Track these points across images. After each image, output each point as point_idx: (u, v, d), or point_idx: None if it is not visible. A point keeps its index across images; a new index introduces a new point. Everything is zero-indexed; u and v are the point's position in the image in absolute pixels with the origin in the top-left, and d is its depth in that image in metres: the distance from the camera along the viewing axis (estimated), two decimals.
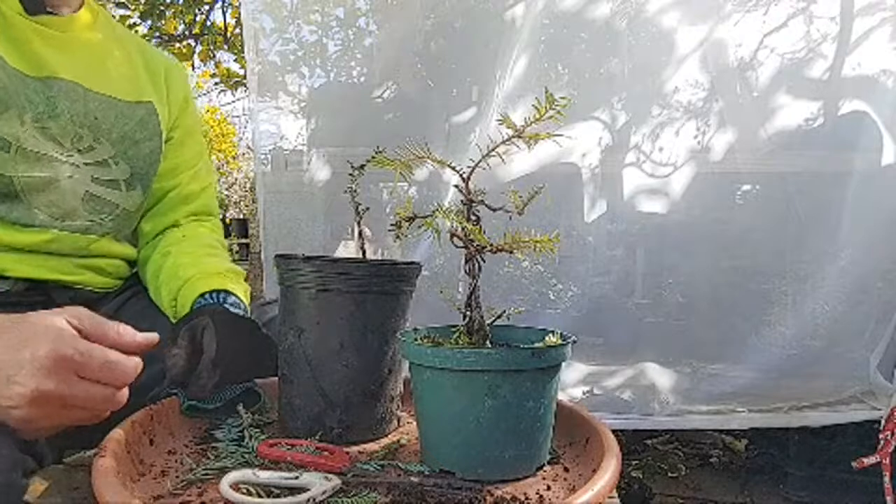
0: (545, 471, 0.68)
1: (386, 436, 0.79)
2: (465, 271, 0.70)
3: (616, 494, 0.69)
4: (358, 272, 0.74)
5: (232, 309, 0.91)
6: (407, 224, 0.70)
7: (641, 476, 1.93)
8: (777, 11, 1.93)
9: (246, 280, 1.07)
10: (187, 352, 0.80)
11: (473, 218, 0.69)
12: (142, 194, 1.07)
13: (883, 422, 1.46)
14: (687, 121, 1.96)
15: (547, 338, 0.72)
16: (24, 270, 0.92)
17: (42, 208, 0.93)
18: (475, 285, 0.70)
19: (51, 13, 0.96)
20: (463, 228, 0.68)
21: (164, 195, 1.13)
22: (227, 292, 0.95)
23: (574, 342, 0.69)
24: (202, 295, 0.94)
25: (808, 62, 1.96)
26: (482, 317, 0.71)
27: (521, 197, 0.68)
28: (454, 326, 0.74)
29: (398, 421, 0.82)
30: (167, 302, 1.00)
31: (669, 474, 1.99)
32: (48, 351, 0.57)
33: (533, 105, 0.64)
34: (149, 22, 4.32)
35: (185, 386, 0.80)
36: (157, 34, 4.57)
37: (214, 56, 5.04)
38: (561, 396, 0.72)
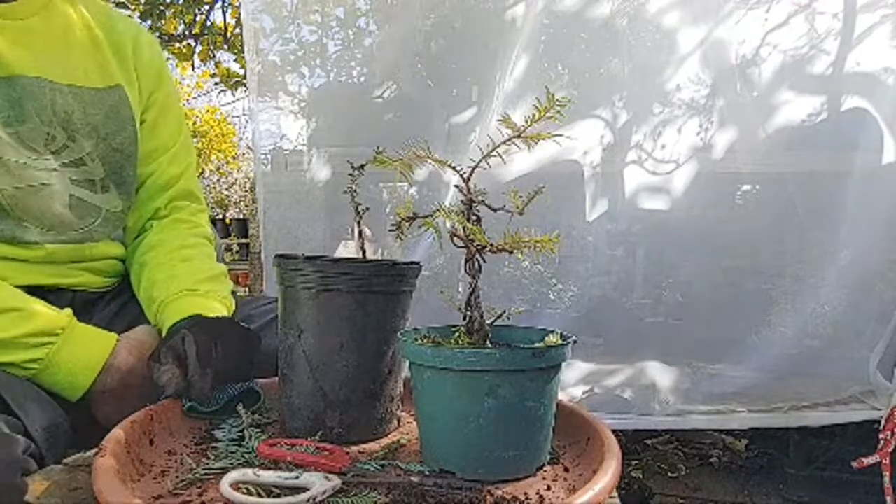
0: (545, 471, 0.68)
1: (386, 436, 0.79)
2: (466, 271, 0.70)
3: (616, 494, 0.69)
4: (359, 272, 0.74)
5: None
6: (407, 224, 0.70)
7: (641, 476, 1.93)
8: (778, 10, 1.93)
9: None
10: (175, 366, 0.80)
11: (474, 218, 0.69)
12: (118, 196, 1.03)
13: (883, 422, 1.46)
14: (687, 121, 1.96)
15: (547, 338, 0.71)
16: (20, 277, 0.91)
17: (31, 221, 0.92)
18: (475, 285, 0.70)
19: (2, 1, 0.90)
20: (463, 228, 0.68)
21: (142, 183, 1.08)
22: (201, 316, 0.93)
23: (574, 342, 0.69)
24: (174, 325, 0.92)
25: (808, 61, 1.96)
26: (482, 317, 0.71)
27: (521, 197, 0.67)
28: (454, 326, 0.74)
29: (398, 421, 0.82)
30: (151, 323, 0.99)
31: (669, 474, 1.99)
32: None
33: (533, 105, 0.64)
34: (149, 22, 4.32)
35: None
36: (157, 34, 4.57)
37: (214, 56, 5.04)
38: (561, 396, 0.72)
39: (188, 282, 0.97)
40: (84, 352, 0.85)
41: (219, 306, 0.96)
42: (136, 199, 1.09)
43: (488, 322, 0.72)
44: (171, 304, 0.94)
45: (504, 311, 0.74)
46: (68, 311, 0.87)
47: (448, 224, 0.69)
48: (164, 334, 0.91)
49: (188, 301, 0.94)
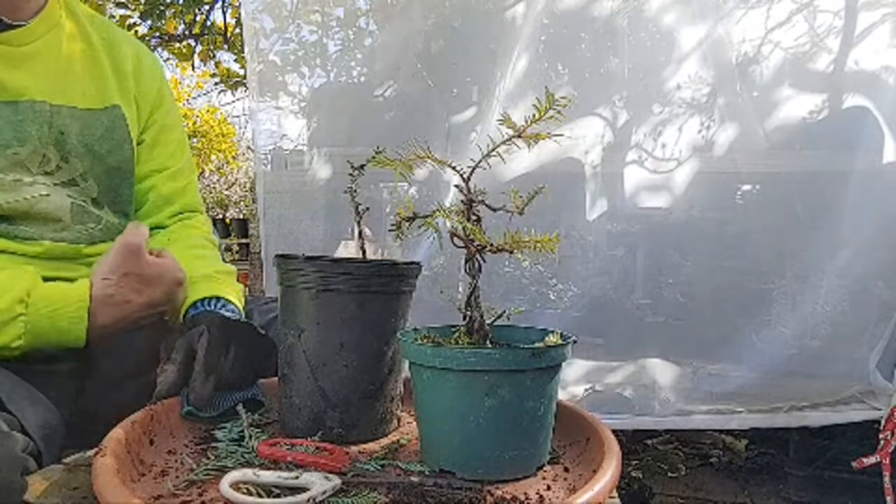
0: (545, 471, 0.68)
1: (386, 436, 0.79)
2: (466, 271, 0.70)
3: (616, 494, 0.69)
4: (359, 272, 0.74)
5: (228, 313, 0.89)
6: (407, 224, 0.70)
7: (641, 476, 1.93)
8: (778, 9, 1.93)
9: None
10: (180, 367, 0.79)
11: (474, 218, 0.69)
12: (112, 213, 1.03)
13: (883, 422, 1.46)
14: (687, 120, 1.96)
15: (547, 338, 0.71)
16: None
17: (30, 224, 0.92)
18: (475, 285, 0.70)
19: (9, 25, 0.91)
20: (463, 228, 0.68)
21: (144, 197, 1.09)
22: (218, 298, 0.94)
23: (574, 342, 0.69)
24: (193, 304, 0.93)
25: (808, 61, 1.96)
26: (482, 317, 0.71)
27: (521, 197, 0.67)
28: (454, 326, 0.74)
29: (398, 421, 0.82)
30: None
31: (669, 474, 1.99)
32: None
33: (533, 105, 0.64)
34: (149, 22, 4.32)
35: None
36: (157, 34, 4.57)
37: (214, 56, 5.04)
38: (561, 395, 0.72)
39: (206, 270, 0.98)
40: (62, 311, 0.82)
41: (234, 296, 0.97)
42: (140, 213, 1.10)
43: (488, 322, 0.72)
44: (190, 286, 0.94)
45: (504, 311, 0.74)
46: (28, 269, 0.85)
47: (448, 224, 0.69)
48: (181, 316, 0.93)
49: (206, 284, 0.95)
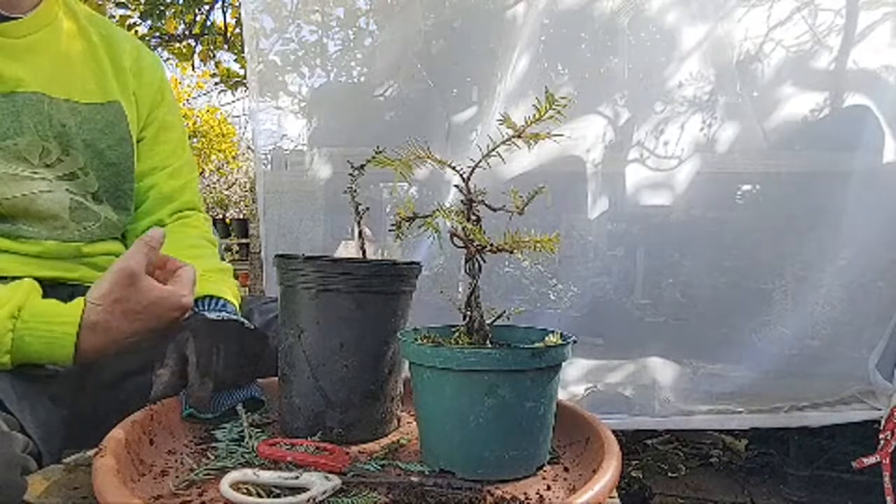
0: (545, 471, 0.68)
1: (386, 436, 0.78)
2: (466, 271, 0.70)
3: (616, 494, 0.69)
4: (359, 272, 0.74)
5: (213, 314, 0.89)
6: (407, 224, 0.70)
7: (641, 476, 1.94)
8: (779, 8, 1.93)
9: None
10: (174, 369, 0.79)
11: (474, 218, 0.69)
12: (112, 209, 1.03)
13: (883, 422, 1.46)
14: (687, 120, 1.96)
15: (547, 338, 0.71)
16: (20, 270, 0.91)
17: (30, 223, 0.92)
18: (475, 285, 0.70)
19: (6, 17, 0.91)
20: (463, 228, 0.68)
21: (144, 196, 1.09)
22: (211, 297, 0.93)
23: (574, 342, 0.69)
24: None
25: (809, 59, 1.96)
26: (482, 317, 0.71)
27: (521, 197, 0.67)
28: (454, 326, 0.74)
29: (398, 421, 0.82)
30: None
31: (669, 474, 1.99)
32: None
33: (533, 105, 0.64)
34: (149, 22, 4.32)
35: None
36: (157, 34, 4.58)
37: (214, 56, 5.05)
38: (561, 395, 0.72)
39: (199, 270, 0.97)
40: (50, 331, 0.79)
41: (229, 294, 0.96)
42: (140, 211, 1.10)
43: (488, 322, 0.72)
44: None
45: (504, 311, 0.74)
46: (25, 283, 0.82)
47: (448, 224, 0.69)
48: None
49: (198, 285, 0.94)
